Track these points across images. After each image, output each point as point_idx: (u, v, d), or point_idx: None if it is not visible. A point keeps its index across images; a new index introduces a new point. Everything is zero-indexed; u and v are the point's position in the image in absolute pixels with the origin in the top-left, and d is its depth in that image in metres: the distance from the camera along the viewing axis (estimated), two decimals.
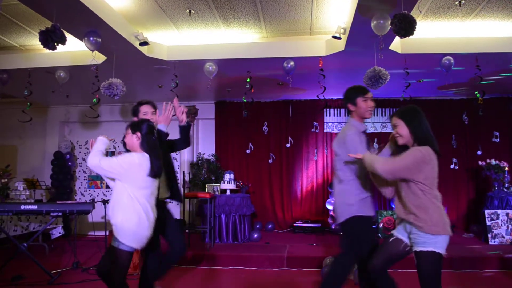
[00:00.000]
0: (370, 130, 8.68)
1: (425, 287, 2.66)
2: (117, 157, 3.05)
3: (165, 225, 3.61)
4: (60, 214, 5.37)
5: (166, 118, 3.71)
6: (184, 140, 3.92)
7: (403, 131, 2.84)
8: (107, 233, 6.05)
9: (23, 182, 7.29)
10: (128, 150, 3.23)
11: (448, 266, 5.35)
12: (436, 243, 2.62)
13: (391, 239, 2.88)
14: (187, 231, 6.81)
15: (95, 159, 3.01)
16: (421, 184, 2.68)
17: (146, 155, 3.08)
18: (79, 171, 9.49)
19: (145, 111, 3.75)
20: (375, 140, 8.65)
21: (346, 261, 3.34)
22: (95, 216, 7.27)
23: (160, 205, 3.49)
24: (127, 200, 2.97)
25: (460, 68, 6.20)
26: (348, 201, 3.20)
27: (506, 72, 6.54)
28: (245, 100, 6.82)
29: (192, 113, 8.89)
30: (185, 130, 3.83)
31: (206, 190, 7.99)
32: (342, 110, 8.77)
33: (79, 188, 9.45)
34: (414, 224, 2.67)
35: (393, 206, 7.95)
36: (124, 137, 3.23)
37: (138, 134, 3.14)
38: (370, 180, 3.09)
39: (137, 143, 3.13)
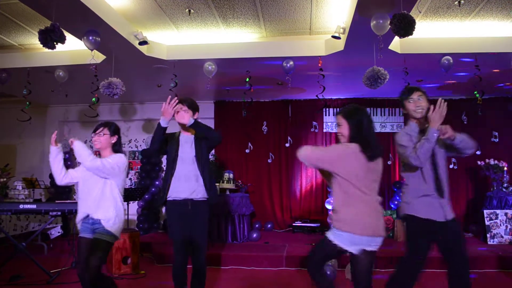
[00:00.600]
0: None
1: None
2: (110, 158, 3.33)
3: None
4: (59, 213, 5.37)
5: (165, 111, 3.67)
6: (202, 136, 3.79)
7: (344, 131, 2.82)
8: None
9: (22, 181, 7.28)
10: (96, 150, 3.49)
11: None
12: (338, 237, 2.68)
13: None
14: None
15: (97, 162, 3.24)
16: (341, 178, 2.69)
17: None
18: None
19: None
20: None
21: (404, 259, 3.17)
22: None
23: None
24: (116, 195, 3.38)
25: (460, 71, 6.21)
26: (404, 199, 3.20)
27: (506, 72, 6.55)
28: (244, 100, 6.82)
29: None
30: (193, 128, 3.72)
31: None
32: None
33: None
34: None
35: (391, 205, 7.98)
36: (97, 136, 3.41)
37: (117, 136, 3.45)
38: (436, 181, 3.04)
39: (110, 144, 3.43)
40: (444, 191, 3.04)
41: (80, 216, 3.38)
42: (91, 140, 3.58)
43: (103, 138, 3.38)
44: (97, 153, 3.51)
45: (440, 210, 3.00)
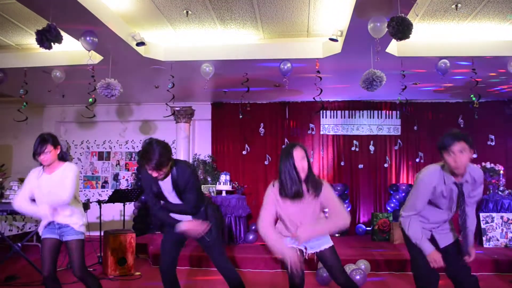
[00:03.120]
0: (366, 132, 8.71)
1: None
2: (73, 178, 3.43)
3: None
4: None
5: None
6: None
7: None
8: (102, 234, 6.03)
9: (18, 181, 7.24)
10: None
11: (442, 269, 5.35)
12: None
13: None
14: None
15: (67, 196, 3.38)
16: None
17: None
18: None
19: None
20: (371, 142, 8.66)
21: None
22: (90, 216, 7.23)
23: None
24: (77, 196, 3.58)
25: (457, 74, 6.24)
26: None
27: (503, 75, 6.57)
28: (242, 102, 6.83)
29: (188, 114, 8.91)
30: None
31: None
32: (338, 112, 8.79)
33: None
34: None
35: (388, 207, 7.97)
36: (62, 156, 3.53)
37: (59, 146, 3.50)
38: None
39: (56, 156, 3.46)
40: None
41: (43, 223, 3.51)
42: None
43: (50, 155, 3.38)
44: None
45: None
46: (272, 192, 3.06)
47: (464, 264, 3.02)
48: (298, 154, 2.91)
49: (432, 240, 3.10)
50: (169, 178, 3.30)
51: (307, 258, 3.03)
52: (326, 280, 4.99)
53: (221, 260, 3.57)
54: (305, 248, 3.07)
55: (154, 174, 3.13)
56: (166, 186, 3.34)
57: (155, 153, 3.03)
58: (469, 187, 2.94)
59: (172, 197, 3.40)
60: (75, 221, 3.53)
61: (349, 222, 2.98)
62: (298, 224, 2.99)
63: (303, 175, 2.91)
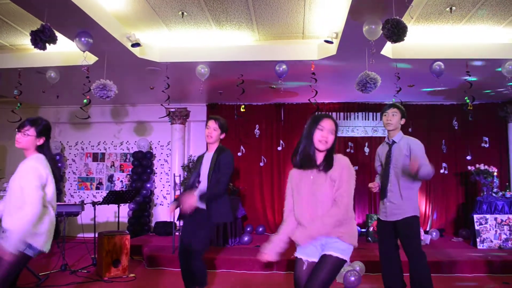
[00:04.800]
0: (361, 134, 8.73)
1: None
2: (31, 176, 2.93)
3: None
4: None
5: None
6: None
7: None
8: (96, 235, 6.01)
9: None
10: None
11: (436, 270, 5.38)
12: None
13: None
14: (177, 233, 6.77)
15: (34, 205, 2.84)
16: None
17: None
18: (69, 172, 9.42)
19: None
20: (366, 144, 8.69)
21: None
22: (84, 218, 7.22)
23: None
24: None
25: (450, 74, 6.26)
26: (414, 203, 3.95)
27: (497, 77, 6.61)
28: (240, 104, 6.83)
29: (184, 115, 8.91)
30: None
31: None
32: (334, 114, 8.81)
33: (69, 189, 9.39)
34: None
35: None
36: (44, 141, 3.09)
37: (44, 138, 3.09)
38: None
39: (35, 146, 3.05)
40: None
41: None
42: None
43: (26, 140, 2.99)
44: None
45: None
46: (290, 173, 2.87)
47: None
48: (326, 124, 2.66)
49: None
50: (210, 156, 3.98)
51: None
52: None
53: (199, 247, 3.88)
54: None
55: (212, 125, 3.95)
56: (205, 165, 3.97)
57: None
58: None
59: (203, 177, 3.96)
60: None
61: (342, 216, 2.58)
62: (307, 216, 2.67)
63: (321, 146, 2.64)
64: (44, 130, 3.08)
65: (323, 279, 2.52)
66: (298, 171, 2.78)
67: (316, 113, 3.05)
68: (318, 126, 2.66)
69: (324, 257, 2.59)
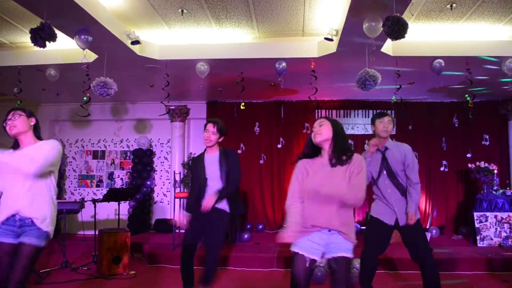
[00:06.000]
0: (361, 132, 8.73)
1: None
2: (46, 145, 2.94)
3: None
4: None
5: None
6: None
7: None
8: (97, 232, 6.02)
9: None
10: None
11: None
12: None
13: None
14: (177, 231, 6.79)
15: (40, 161, 2.83)
16: None
17: None
18: (69, 169, 9.42)
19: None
20: (366, 142, 8.67)
21: None
22: (84, 215, 7.23)
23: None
24: (54, 192, 3.03)
25: (451, 73, 6.25)
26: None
27: (497, 75, 6.60)
28: (239, 102, 6.83)
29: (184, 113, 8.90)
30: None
31: None
32: (334, 111, 8.81)
33: (69, 187, 9.39)
34: None
35: None
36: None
37: (34, 118, 3.07)
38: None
39: (31, 127, 3.02)
40: None
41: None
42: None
43: (19, 121, 2.92)
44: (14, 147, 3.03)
45: None
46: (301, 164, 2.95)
47: None
48: (317, 122, 2.93)
49: None
50: (216, 158, 4.00)
51: (321, 265, 2.84)
52: (320, 279, 5.00)
53: (219, 245, 3.95)
54: (323, 254, 2.77)
55: (210, 129, 3.93)
56: (212, 167, 3.98)
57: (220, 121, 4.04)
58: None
59: (213, 179, 3.97)
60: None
61: (358, 201, 2.70)
62: (322, 206, 2.73)
63: (318, 139, 2.84)
64: (31, 112, 3.06)
65: (347, 278, 2.67)
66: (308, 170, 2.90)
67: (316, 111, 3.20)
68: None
69: (339, 260, 2.67)
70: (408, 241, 3.90)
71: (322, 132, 2.84)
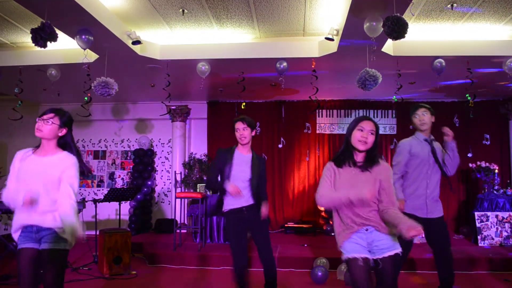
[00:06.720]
0: None
1: None
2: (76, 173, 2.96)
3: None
4: None
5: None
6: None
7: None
8: (98, 232, 6.02)
9: None
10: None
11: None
12: None
13: None
14: (178, 231, 6.79)
15: (72, 199, 2.86)
16: None
17: None
18: None
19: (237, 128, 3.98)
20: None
21: None
22: (85, 215, 7.23)
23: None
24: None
25: (452, 72, 6.25)
26: None
27: (498, 75, 6.59)
28: (240, 102, 6.83)
29: (184, 112, 8.90)
30: None
31: (198, 190, 8.00)
32: (334, 111, 8.81)
33: None
34: None
35: None
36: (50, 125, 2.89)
37: (67, 129, 2.98)
38: None
39: (57, 137, 2.94)
40: None
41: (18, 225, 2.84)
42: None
43: (49, 128, 2.84)
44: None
45: None
46: (330, 166, 2.87)
47: None
48: (365, 125, 2.80)
49: None
50: (249, 159, 3.98)
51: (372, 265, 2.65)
52: (320, 278, 5.00)
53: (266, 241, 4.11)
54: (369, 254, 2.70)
55: (241, 127, 3.93)
56: (241, 167, 3.91)
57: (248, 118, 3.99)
58: None
59: (238, 178, 3.88)
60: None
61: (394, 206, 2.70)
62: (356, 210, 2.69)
63: (361, 147, 2.76)
64: (68, 121, 2.97)
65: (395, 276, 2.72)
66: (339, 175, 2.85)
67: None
68: (355, 125, 2.84)
69: (391, 258, 2.64)
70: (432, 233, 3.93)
71: (368, 142, 2.77)
